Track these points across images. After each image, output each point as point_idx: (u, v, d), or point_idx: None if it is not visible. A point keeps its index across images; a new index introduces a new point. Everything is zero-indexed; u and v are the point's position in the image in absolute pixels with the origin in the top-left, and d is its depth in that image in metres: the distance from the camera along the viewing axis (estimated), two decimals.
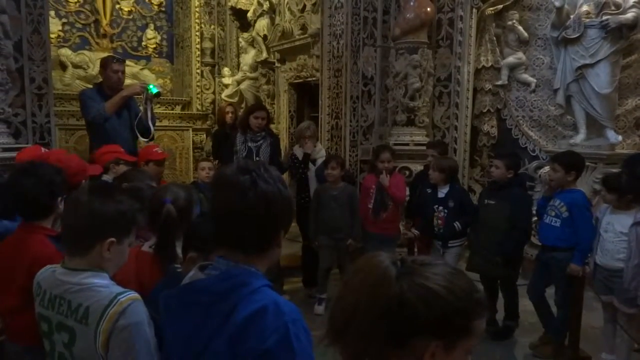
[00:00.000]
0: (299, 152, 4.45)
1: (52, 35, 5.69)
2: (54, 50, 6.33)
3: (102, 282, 1.38)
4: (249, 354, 1.03)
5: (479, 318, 0.88)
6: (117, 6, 8.18)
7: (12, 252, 1.88)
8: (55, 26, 7.16)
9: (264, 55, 7.76)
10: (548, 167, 4.09)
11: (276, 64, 7.63)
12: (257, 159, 4.23)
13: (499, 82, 5.27)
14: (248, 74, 8.13)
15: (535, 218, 4.39)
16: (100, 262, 1.41)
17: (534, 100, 5.22)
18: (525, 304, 3.72)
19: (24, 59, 3.71)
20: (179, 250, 1.75)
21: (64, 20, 7.74)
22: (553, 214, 3.35)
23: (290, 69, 7.24)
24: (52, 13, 6.83)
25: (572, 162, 3.33)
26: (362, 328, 0.86)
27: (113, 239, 1.41)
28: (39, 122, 3.86)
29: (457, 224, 3.65)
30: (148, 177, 2.56)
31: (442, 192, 3.77)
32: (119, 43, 8.29)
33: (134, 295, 1.36)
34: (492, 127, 5.38)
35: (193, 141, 8.60)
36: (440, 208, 3.74)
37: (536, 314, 3.56)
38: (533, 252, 4.45)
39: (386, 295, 0.84)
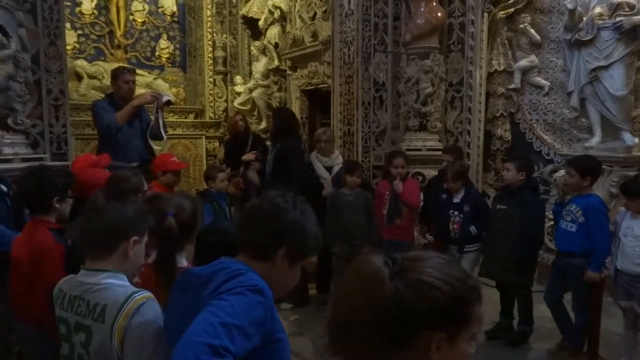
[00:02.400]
0: (315, 161, 4.46)
1: (67, 47, 5.79)
2: (69, 62, 6.44)
3: (119, 282, 1.42)
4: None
5: (476, 303, 0.88)
6: (131, 17, 8.31)
7: (21, 243, 2.18)
8: (70, 38, 7.29)
9: (276, 62, 7.81)
10: (563, 170, 4.05)
11: (288, 72, 7.67)
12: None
13: (512, 86, 5.24)
14: (260, 81, 8.18)
15: (551, 222, 4.37)
16: (122, 262, 1.46)
17: (548, 104, 5.17)
18: (542, 310, 3.67)
19: (41, 71, 3.79)
20: (183, 262, 1.77)
21: (80, 32, 7.88)
22: (569, 219, 3.31)
23: (302, 76, 7.28)
24: (68, 25, 6.95)
25: (588, 167, 3.27)
26: (362, 332, 0.85)
27: (136, 238, 1.48)
28: (56, 133, 3.93)
29: (472, 229, 3.63)
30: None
31: (457, 197, 3.75)
32: (133, 53, 8.41)
33: (149, 294, 1.39)
34: (506, 131, 5.34)
35: (206, 149, 8.69)
36: (456, 213, 3.71)
37: (553, 320, 3.51)
38: (550, 257, 4.41)
39: (382, 296, 0.83)
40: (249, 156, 5.03)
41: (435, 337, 0.83)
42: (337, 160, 4.49)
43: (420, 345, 0.84)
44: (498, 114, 5.30)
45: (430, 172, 4.81)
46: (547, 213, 4.07)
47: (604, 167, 4.00)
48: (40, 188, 2.21)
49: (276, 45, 7.68)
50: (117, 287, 1.40)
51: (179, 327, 1.10)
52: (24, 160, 3.40)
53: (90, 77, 7.80)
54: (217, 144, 8.92)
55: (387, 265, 0.87)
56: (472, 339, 0.88)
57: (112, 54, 8.15)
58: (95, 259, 1.46)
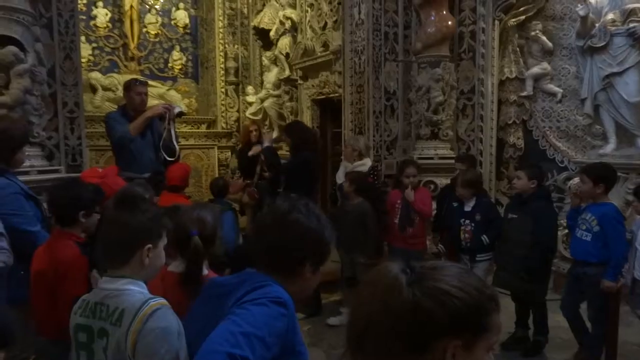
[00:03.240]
0: (341, 166, 4.50)
1: (82, 60, 5.89)
2: (84, 74, 6.55)
3: (137, 289, 1.45)
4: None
5: (494, 313, 0.87)
6: (145, 30, 8.45)
7: (44, 255, 2.16)
8: (85, 51, 7.43)
9: (287, 72, 7.87)
10: (578, 178, 4.00)
11: (299, 81, 7.73)
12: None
13: (524, 93, 5.21)
14: (271, 91, 8.25)
15: (566, 231, 4.31)
16: (138, 270, 1.48)
17: (561, 111, 5.13)
18: (558, 320, 3.62)
19: (56, 84, 3.86)
20: (205, 270, 1.80)
21: (94, 44, 8.03)
22: (584, 227, 3.26)
23: (313, 85, 7.32)
24: (83, 38, 7.08)
25: (601, 174, 3.23)
26: (378, 339, 0.85)
27: (150, 245, 1.49)
28: (71, 145, 3.98)
29: (484, 238, 3.59)
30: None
31: (468, 206, 3.72)
32: (147, 65, 8.54)
33: (164, 301, 1.41)
34: (518, 138, 5.30)
35: (218, 159, 8.76)
36: (467, 222, 3.68)
37: (569, 330, 3.45)
38: (565, 266, 4.35)
39: (399, 302, 0.84)
40: (255, 150, 5.08)
41: (451, 344, 0.83)
42: (360, 166, 4.52)
43: (437, 352, 0.83)
44: (510, 122, 5.27)
45: (442, 181, 4.79)
46: (561, 221, 4.03)
47: (619, 174, 3.95)
48: (67, 200, 2.25)
49: (287, 56, 7.74)
50: (135, 292, 1.43)
51: (201, 336, 1.12)
52: (40, 172, 3.45)
53: (105, 89, 7.94)
54: (229, 153, 8.98)
55: (405, 272, 0.87)
56: (489, 348, 0.88)
57: (125, 66, 8.28)
58: (114, 267, 1.49)
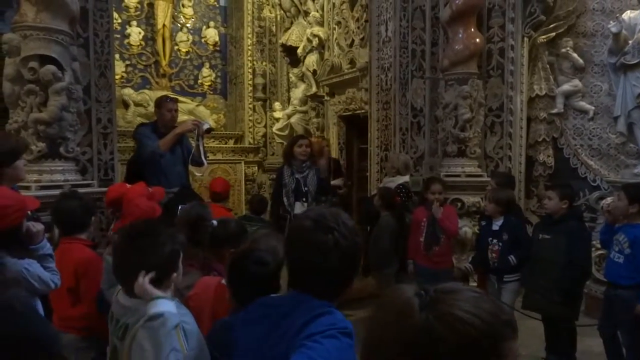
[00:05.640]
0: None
1: (116, 76, 6.08)
2: (117, 90, 6.74)
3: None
4: (298, 342, 1.11)
5: (509, 340, 0.85)
6: (176, 47, 8.68)
7: (59, 261, 2.22)
8: (119, 68, 7.66)
9: (314, 89, 7.94)
10: (610, 198, 3.90)
11: (325, 98, 7.78)
12: (306, 189, 4.36)
13: (555, 110, 5.12)
14: (298, 107, 8.32)
15: (598, 252, 4.19)
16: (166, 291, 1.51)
17: (593, 129, 5.02)
18: (591, 345, 3.50)
19: (91, 101, 3.98)
20: None
21: (127, 62, 8.28)
22: (617, 249, 3.18)
23: (339, 102, 7.36)
24: (117, 56, 7.31)
25: (637, 194, 3.15)
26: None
27: (152, 276, 1.51)
28: (104, 159, 4.10)
29: (512, 258, 3.51)
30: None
31: (496, 225, 3.65)
32: (177, 82, 8.75)
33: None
34: (549, 156, 5.20)
35: (245, 174, 8.85)
36: (495, 241, 3.61)
37: (601, 355, 3.34)
38: (597, 288, 4.21)
39: (410, 325, 0.83)
40: (337, 182, 5.27)
41: None
42: (389, 182, 4.57)
43: None
44: (540, 139, 5.18)
45: (470, 199, 4.72)
46: (593, 242, 3.91)
47: None
48: (82, 208, 2.50)
49: (314, 72, 7.82)
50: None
51: (253, 356, 1.18)
52: (73, 186, 3.54)
53: (137, 104, 8.15)
54: (256, 168, 9.07)
55: (419, 295, 0.86)
56: None
57: (157, 83, 8.50)
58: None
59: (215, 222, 2.18)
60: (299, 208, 4.38)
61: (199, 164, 4.38)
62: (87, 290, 2.29)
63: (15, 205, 1.77)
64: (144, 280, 1.43)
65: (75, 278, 2.34)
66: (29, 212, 1.98)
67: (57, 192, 3.30)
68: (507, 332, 0.85)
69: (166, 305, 1.39)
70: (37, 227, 1.97)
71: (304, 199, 4.41)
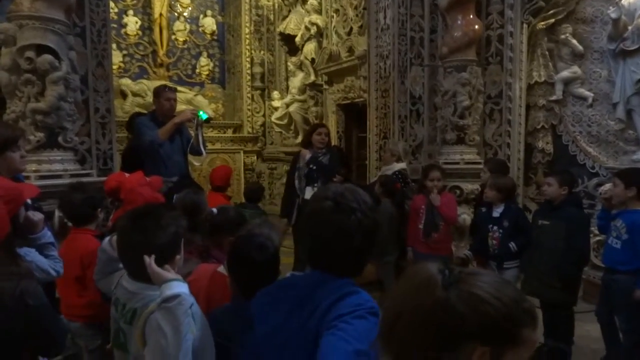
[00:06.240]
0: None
1: (113, 67, 6.05)
2: (115, 80, 6.70)
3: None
4: (328, 323, 1.11)
5: (527, 327, 0.86)
6: (173, 37, 8.63)
7: (67, 251, 2.38)
8: (116, 58, 7.62)
9: (312, 77, 7.91)
10: (609, 184, 3.90)
11: (324, 86, 7.76)
12: (317, 176, 4.56)
13: (554, 97, 5.11)
14: (297, 96, 8.30)
15: (597, 238, 4.21)
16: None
17: (592, 115, 5.02)
18: (588, 329, 3.53)
19: (89, 91, 3.97)
20: None
21: (125, 52, 8.24)
22: (615, 234, 3.20)
23: (338, 90, 7.34)
24: (114, 46, 7.28)
25: (634, 179, 3.15)
26: (407, 331, 0.87)
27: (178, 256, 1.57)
28: (102, 149, 4.09)
29: (512, 245, 3.53)
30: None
31: (497, 212, 3.65)
32: (175, 71, 8.72)
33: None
34: (547, 143, 5.20)
35: (244, 163, 8.86)
36: (495, 228, 3.62)
37: (598, 341, 3.38)
38: (595, 274, 4.24)
39: (431, 300, 0.85)
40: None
41: (479, 349, 0.83)
42: (387, 170, 4.59)
43: (464, 354, 0.84)
44: (539, 126, 5.17)
45: (468, 186, 4.73)
46: (592, 228, 3.93)
47: None
48: (88, 201, 2.53)
49: (312, 61, 7.79)
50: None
51: (270, 343, 1.18)
52: (72, 176, 3.54)
53: (134, 94, 8.13)
54: (255, 157, 9.07)
55: (442, 273, 0.88)
56: None
57: (154, 72, 8.47)
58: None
59: (215, 210, 2.19)
60: (309, 193, 4.53)
61: (198, 153, 4.38)
62: (92, 280, 2.32)
63: (6, 195, 1.73)
64: (151, 262, 1.44)
65: (81, 268, 2.41)
66: (28, 201, 1.98)
67: (56, 182, 3.32)
68: (526, 319, 0.86)
69: (181, 287, 1.39)
70: (37, 216, 1.97)
71: (315, 185, 4.55)
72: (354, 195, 1.22)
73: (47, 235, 2.02)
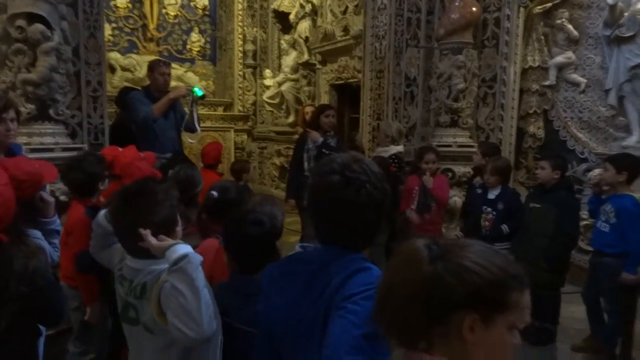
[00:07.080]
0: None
1: None
2: None
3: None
4: (337, 302, 1.10)
5: (516, 290, 0.88)
6: (164, 11, 8.46)
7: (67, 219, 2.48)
8: (105, 31, 7.40)
9: (305, 57, 7.83)
10: (598, 170, 3.96)
11: (317, 66, 7.69)
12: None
13: (547, 83, 5.13)
14: (289, 75, 8.22)
15: (585, 222, 4.28)
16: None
17: (584, 101, 5.05)
18: (573, 310, 3.62)
19: (81, 63, 3.88)
20: None
21: (114, 25, 8.06)
22: (604, 218, 3.27)
23: (332, 70, 7.29)
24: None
25: (625, 163, 3.21)
26: (397, 306, 0.89)
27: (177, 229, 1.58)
28: (94, 123, 4.03)
29: (504, 227, 3.57)
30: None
31: (492, 194, 3.68)
32: (165, 46, 8.56)
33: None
34: (539, 128, 5.24)
35: (235, 141, 8.80)
36: (489, 209, 3.66)
37: (582, 321, 3.47)
38: (581, 258, 4.33)
39: (417, 274, 0.87)
40: None
41: (469, 317, 0.85)
42: (382, 152, 4.56)
43: (454, 324, 0.86)
44: (531, 111, 5.20)
45: (460, 169, 4.77)
46: (580, 212, 4.00)
47: None
48: (88, 177, 2.49)
49: (306, 39, 7.70)
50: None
51: (285, 319, 1.18)
52: (64, 149, 3.50)
53: (123, 69, 7.98)
54: (246, 136, 9.01)
55: (428, 247, 0.90)
56: (512, 327, 0.88)
57: (144, 47, 8.31)
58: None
59: (215, 193, 2.18)
60: None
61: (193, 130, 4.35)
62: (70, 248, 2.38)
63: (29, 181, 1.72)
64: (148, 236, 1.43)
65: (66, 233, 2.44)
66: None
67: (48, 155, 3.27)
68: (512, 283, 0.88)
69: (186, 248, 1.40)
70: (50, 198, 1.95)
71: None
72: (361, 165, 1.17)
73: (57, 223, 2.00)
